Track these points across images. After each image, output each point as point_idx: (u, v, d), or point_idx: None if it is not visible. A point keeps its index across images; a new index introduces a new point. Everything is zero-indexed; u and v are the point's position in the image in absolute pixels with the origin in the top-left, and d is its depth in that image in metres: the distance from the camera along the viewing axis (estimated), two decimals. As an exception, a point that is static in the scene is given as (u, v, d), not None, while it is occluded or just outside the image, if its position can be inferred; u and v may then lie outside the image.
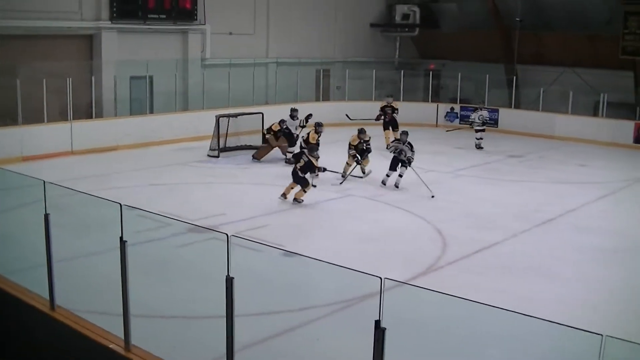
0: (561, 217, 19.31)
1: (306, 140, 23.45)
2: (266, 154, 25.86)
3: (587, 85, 35.31)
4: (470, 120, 30.68)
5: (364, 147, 23.10)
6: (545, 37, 38.03)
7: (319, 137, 23.47)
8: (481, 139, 29.80)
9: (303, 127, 25.96)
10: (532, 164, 27.16)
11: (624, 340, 6.18)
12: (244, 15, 35.06)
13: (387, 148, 24.76)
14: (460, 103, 37.60)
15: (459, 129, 29.40)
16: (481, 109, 30.38)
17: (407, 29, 42.91)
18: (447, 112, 37.41)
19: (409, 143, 21.88)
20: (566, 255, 16.00)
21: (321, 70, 38.84)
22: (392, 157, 22.03)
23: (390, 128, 29.29)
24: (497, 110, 36.11)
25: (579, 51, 36.17)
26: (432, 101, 38.06)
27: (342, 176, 22.85)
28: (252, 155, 25.92)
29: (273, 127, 25.86)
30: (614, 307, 12.99)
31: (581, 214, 19.73)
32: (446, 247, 16.13)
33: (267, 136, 26.03)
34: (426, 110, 37.18)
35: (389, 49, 43.55)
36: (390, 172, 21.98)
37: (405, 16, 42.60)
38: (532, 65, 37.91)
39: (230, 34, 34.01)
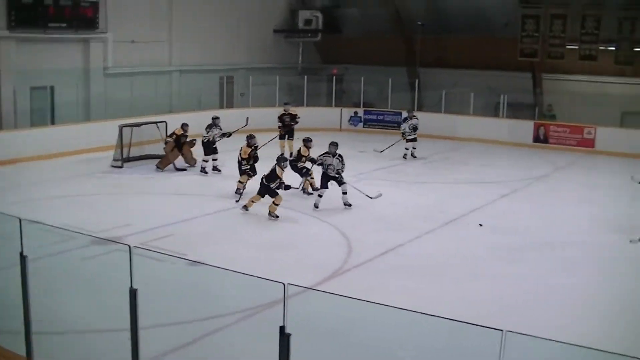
0: (465, 216, 19.63)
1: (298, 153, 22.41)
2: (169, 163, 25.62)
3: (488, 86, 35.95)
4: (401, 130, 29.89)
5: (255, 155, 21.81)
6: (446, 41, 38.61)
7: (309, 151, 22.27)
8: (414, 148, 29.30)
9: (228, 135, 25.56)
10: (436, 165, 27.58)
11: (523, 334, 6.32)
12: (146, 23, 34.67)
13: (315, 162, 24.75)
14: (363, 107, 37.93)
15: (391, 145, 28.95)
16: (411, 118, 29.59)
17: (310, 35, 43.06)
18: (351, 116, 37.72)
19: (340, 155, 20.55)
20: (471, 253, 16.28)
21: (225, 77, 38.71)
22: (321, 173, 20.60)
23: (286, 137, 28.55)
24: (400, 114, 36.51)
25: (479, 54, 36.82)
26: (335, 106, 38.33)
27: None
28: (156, 165, 25.69)
29: (176, 132, 25.64)
30: (518, 302, 13.24)
31: (485, 213, 20.08)
32: (352, 251, 16.24)
33: (166, 143, 25.71)
34: (330, 114, 37.39)
35: (292, 54, 43.65)
36: (322, 190, 20.42)
37: (308, 22, 42.74)
38: (434, 68, 38.48)
39: (133, 42, 33.63)
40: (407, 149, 29.15)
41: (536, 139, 33.15)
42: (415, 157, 29.17)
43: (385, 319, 8.32)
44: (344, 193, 20.26)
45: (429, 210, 19.73)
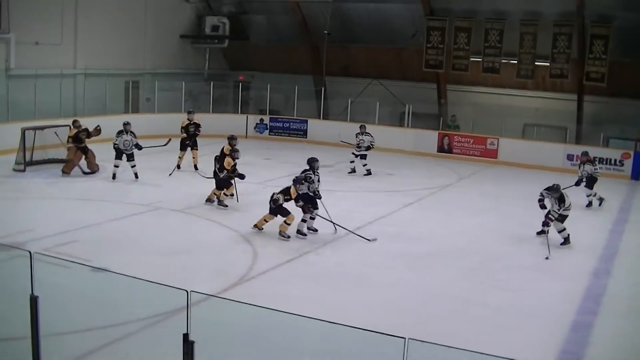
0: (371, 224, 19.81)
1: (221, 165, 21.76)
2: (74, 166, 25.27)
3: (393, 96, 36.38)
4: (356, 144, 28.47)
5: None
6: (353, 50, 39.00)
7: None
8: (366, 164, 28.22)
9: (139, 148, 24.74)
10: (342, 173, 27.74)
11: (424, 341, 6.44)
12: (51, 25, 34.14)
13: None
14: (269, 114, 38.02)
15: (350, 145, 28.35)
16: (363, 133, 28.43)
17: (216, 41, 42.99)
18: (257, 124, 37.77)
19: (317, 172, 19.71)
20: (377, 261, 16.45)
21: (130, 82, 38.35)
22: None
23: (189, 148, 27.19)
24: (306, 121, 36.77)
25: (386, 63, 37.31)
26: (241, 112, 38.28)
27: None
28: (62, 170, 25.30)
29: (70, 134, 25.34)
30: (422, 310, 13.42)
31: (390, 221, 20.32)
32: (257, 258, 16.26)
33: (68, 149, 25.39)
34: (236, 121, 37.30)
35: (199, 60, 43.52)
36: (314, 212, 18.98)
37: (215, 28, 42.65)
38: (340, 77, 38.77)
39: (37, 43, 33.09)
40: (352, 162, 28.42)
41: (440, 149, 33.70)
42: (370, 173, 27.97)
43: (290, 326, 8.37)
44: (313, 219, 19.00)
45: (334, 218, 19.82)
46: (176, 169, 26.43)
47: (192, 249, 16.83)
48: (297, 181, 18.22)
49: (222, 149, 22.33)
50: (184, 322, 6.92)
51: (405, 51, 37.21)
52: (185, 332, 6.81)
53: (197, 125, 27.52)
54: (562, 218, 18.38)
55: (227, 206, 21.31)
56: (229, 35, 42.88)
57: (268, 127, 37.75)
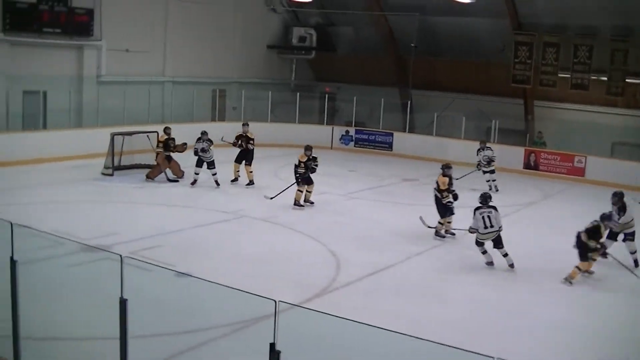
0: (454, 240, 19.63)
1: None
2: (158, 174, 25.53)
3: (480, 111, 36.03)
4: (477, 162, 28.00)
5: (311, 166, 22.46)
6: (439, 64, 38.73)
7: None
8: (494, 180, 27.83)
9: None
10: (426, 187, 27.42)
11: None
12: (141, 33, 34.68)
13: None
14: (355, 126, 37.96)
15: (466, 175, 27.85)
16: (484, 149, 27.87)
17: (303, 52, 43.16)
18: (342, 135, 37.71)
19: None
20: (458, 277, 16.25)
21: (217, 90, 38.69)
22: None
23: (244, 162, 25.81)
24: (391, 134, 36.59)
25: (472, 78, 36.94)
26: (327, 124, 38.31)
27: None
28: (146, 175, 25.62)
29: (160, 139, 25.63)
30: (501, 328, 13.22)
31: (473, 238, 20.06)
32: (340, 269, 16.20)
33: (157, 154, 25.66)
34: (321, 132, 37.37)
35: (285, 70, 43.74)
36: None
37: (302, 39, 42.84)
38: (426, 90, 38.49)
39: (127, 51, 33.64)
40: (487, 181, 27.74)
41: (526, 166, 33.19)
42: (497, 190, 27.32)
43: (374, 340, 8.29)
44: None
45: (417, 232, 19.67)
46: (231, 182, 25.81)
47: (274, 258, 16.86)
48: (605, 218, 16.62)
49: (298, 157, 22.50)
50: (268, 330, 6.88)
51: (492, 66, 36.81)
52: (271, 341, 6.76)
53: (248, 139, 25.94)
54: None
55: (303, 207, 21.97)
56: (316, 46, 43.03)
57: (353, 139, 37.68)
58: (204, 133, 25.35)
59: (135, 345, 7.86)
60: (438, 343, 6.64)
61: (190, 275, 10.24)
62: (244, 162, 25.75)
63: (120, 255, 7.74)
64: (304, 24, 43.33)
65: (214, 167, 24.97)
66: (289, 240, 18.86)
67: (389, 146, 36.67)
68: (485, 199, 17.36)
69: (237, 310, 11.02)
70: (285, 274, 15.73)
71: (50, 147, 27.98)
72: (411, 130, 37.16)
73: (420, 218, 19.26)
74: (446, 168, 20.31)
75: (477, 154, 27.77)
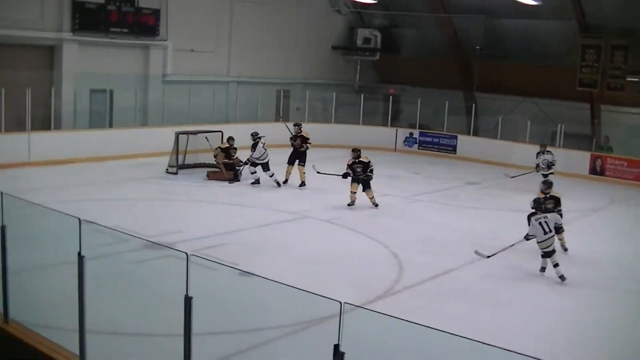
0: (517, 245, 19.42)
1: None
2: (221, 178, 25.61)
3: (545, 115, 35.67)
4: (535, 164, 27.18)
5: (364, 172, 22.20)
6: (504, 67, 38.36)
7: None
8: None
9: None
10: (490, 191, 27.32)
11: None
12: (206, 33, 34.98)
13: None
14: (419, 128, 37.82)
15: (523, 174, 27.52)
16: (544, 152, 27.08)
17: (368, 53, 43.13)
18: (406, 137, 37.61)
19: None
20: (521, 283, 16.07)
21: (281, 91, 38.87)
22: None
23: (297, 162, 25.59)
24: (455, 137, 36.39)
25: (538, 82, 36.52)
26: (391, 126, 38.20)
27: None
28: (207, 174, 25.79)
29: (221, 146, 25.84)
30: (561, 337, 13.05)
31: (535, 243, 19.84)
32: (402, 272, 16.13)
33: (216, 156, 25.91)
34: (385, 134, 37.32)
35: (349, 72, 43.74)
36: None
37: (367, 40, 42.83)
38: (491, 93, 38.18)
39: (192, 51, 33.93)
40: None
41: (592, 171, 32.71)
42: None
43: (436, 343, 8.24)
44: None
45: (479, 236, 19.52)
46: (283, 184, 25.46)
47: (337, 259, 16.83)
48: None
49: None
50: (331, 331, 6.85)
51: (558, 69, 36.32)
52: (336, 342, 6.74)
53: (304, 139, 25.69)
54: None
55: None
56: (380, 48, 42.98)
57: (417, 141, 37.55)
58: (255, 134, 25.33)
59: (198, 342, 7.89)
60: (500, 348, 6.58)
61: (254, 275, 10.26)
62: (296, 162, 25.58)
63: (187, 253, 7.77)
64: (369, 26, 43.31)
65: (269, 169, 24.99)
66: (351, 241, 18.82)
67: (453, 149, 36.48)
68: (539, 204, 16.80)
69: (299, 310, 11.03)
70: (347, 275, 15.72)
71: (116, 145, 28.34)
72: (475, 133, 36.90)
73: (476, 252, 18.16)
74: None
75: (537, 157, 27.20)
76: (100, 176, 24.93)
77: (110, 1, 30.03)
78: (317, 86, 39.45)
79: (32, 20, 28.01)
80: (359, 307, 8.81)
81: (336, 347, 6.73)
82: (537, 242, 16.40)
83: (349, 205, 22.41)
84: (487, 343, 6.61)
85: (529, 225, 16.70)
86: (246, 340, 11.22)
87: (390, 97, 38.95)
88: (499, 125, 35.34)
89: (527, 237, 16.72)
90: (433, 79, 39.82)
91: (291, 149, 25.79)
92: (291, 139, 25.89)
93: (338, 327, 6.68)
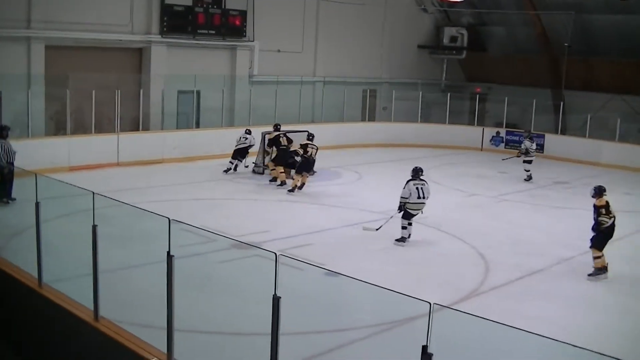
0: (607, 246, 19.11)
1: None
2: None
3: (635, 112, 35.00)
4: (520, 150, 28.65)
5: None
6: (594, 64, 37.74)
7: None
8: (528, 170, 28.33)
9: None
10: (578, 190, 26.83)
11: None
12: (292, 34, 35.21)
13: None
14: (506, 127, 37.41)
15: (509, 158, 28.10)
16: (526, 138, 28.74)
17: (454, 52, 42.85)
18: (493, 136, 37.22)
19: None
20: (610, 285, 15.82)
21: (368, 90, 38.88)
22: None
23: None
24: (543, 136, 35.88)
25: (628, 78, 35.86)
26: (477, 125, 37.87)
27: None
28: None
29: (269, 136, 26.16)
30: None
31: (626, 244, 19.48)
32: (489, 272, 16.00)
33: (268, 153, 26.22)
34: (472, 133, 37.05)
35: (435, 70, 43.47)
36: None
37: (453, 39, 42.55)
38: (579, 91, 37.56)
39: (279, 51, 34.18)
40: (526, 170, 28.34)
41: (683, 169, 32.00)
42: (530, 179, 28.20)
43: (524, 345, 8.17)
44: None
45: (569, 237, 19.25)
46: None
47: (423, 259, 16.80)
48: None
49: None
50: (417, 332, 6.83)
51: (649, 65, 35.69)
52: (424, 344, 6.72)
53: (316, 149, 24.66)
54: None
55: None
56: (467, 46, 42.65)
57: (504, 140, 37.14)
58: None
59: (283, 341, 7.94)
60: (588, 350, 6.49)
61: (341, 274, 10.29)
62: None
63: (275, 253, 7.83)
64: (455, 24, 43.00)
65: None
66: (438, 241, 18.70)
67: (541, 148, 35.99)
68: (416, 172, 18.42)
69: (386, 311, 11.04)
70: (433, 275, 15.68)
71: (203, 145, 28.69)
72: (563, 132, 36.40)
73: (364, 228, 18.88)
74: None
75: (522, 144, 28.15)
76: (188, 176, 25.30)
77: (197, 3, 30.44)
78: (403, 85, 39.33)
79: (121, 24, 28.57)
80: (448, 307, 8.78)
81: (424, 348, 6.71)
82: (408, 204, 17.90)
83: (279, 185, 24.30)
84: (574, 345, 6.54)
85: (404, 188, 18.10)
86: (332, 340, 11.26)
87: (477, 95, 38.68)
88: (588, 124, 34.75)
89: (400, 207, 18.09)
90: (520, 77, 39.44)
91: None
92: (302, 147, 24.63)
93: (427, 328, 6.66)
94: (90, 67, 27.16)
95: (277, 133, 25.75)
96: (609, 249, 16.63)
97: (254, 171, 26.49)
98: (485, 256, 17.20)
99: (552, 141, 35.82)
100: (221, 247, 14.48)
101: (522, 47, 40.70)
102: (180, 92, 30.54)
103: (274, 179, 24.93)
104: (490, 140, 37.32)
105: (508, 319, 7.53)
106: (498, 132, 37.34)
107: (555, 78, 39.05)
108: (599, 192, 16.35)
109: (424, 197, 18.02)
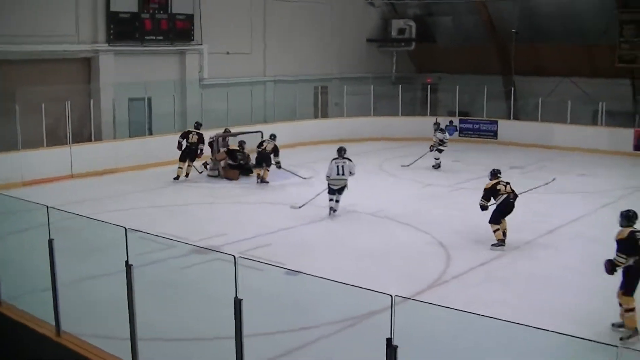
0: (563, 227, 19.30)
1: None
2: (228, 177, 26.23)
3: (585, 94, 35.35)
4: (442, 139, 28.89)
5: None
6: (542, 48, 38.03)
7: None
8: (438, 159, 28.69)
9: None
10: (533, 174, 27.06)
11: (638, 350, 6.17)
12: (240, 35, 35.11)
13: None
14: (459, 116, 37.62)
15: (418, 159, 28.37)
16: (439, 130, 29.23)
17: (403, 44, 42.95)
18: (446, 126, 37.27)
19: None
20: (570, 265, 15.96)
21: (319, 87, 38.92)
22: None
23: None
24: (496, 122, 36.23)
25: (576, 61, 36.21)
26: (430, 115, 37.93)
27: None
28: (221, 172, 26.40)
29: (229, 147, 26.68)
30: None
31: (583, 224, 19.69)
32: (450, 261, 16.11)
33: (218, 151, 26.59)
34: (425, 124, 37.03)
35: (385, 64, 43.54)
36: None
37: (401, 31, 42.66)
38: (529, 76, 37.84)
39: (228, 53, 34.05)
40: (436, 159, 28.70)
41: (637, 147, 32.33)
42: (439, 167, 28.65)
43: (488, 331, 8.23)
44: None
45: (526, 221, 19.37)
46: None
47: (383, 252, 16.86)
48: None
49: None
50: (381, 325, 6.85)
51: (596, 47, 35.89)
52: (388, 336, 6.74)
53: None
54: None
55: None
56: (416, 38, 42.76)
57: (458, 128, 37.37)
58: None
59: (247, 343, 7.93)
60: (554, 332, 6.55)
61: (301, 272, 10.29)
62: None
63: (234, 256, 7.82)
64: (402, 16, 43.10)
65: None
66: (397, 233, 18.80)
67: (494, 134, 36.30)
68: (338, 151, 20.60)
69: (349, 306, 11.06)
70: (394, 267, 15.75)
71: (157, 152, 28.50)
72: (516, 117, 36.68)
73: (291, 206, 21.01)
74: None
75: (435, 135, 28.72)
76: (143, 184, 25.15)
77: (144, 9, 30.23)
78: (354, 80, 39.32)
79: (67, 34, 28.27)
80: (410, 299, 8.81)
81: (389, 340, 6.73)
82: (329, 180, 20.35)
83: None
84: (535, 327, 6.59)
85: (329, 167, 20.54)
86: (297, 338, 11.26)
87: (428, 86, 38.78)
88: (539, 108, 35.06)
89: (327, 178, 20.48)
90: (470, 66, 39.64)
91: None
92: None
93: (390, 320, 6.67)
94: (38, 80, 26.81)
95: (229, 145, 26.59)
96: (567, 229, 16.81)
97: (208, 175, 26.41)
98: (445, 245, 17.30)
99: (505, 127, 36.17)
100: (181, 253, 14.41)
101: (470, 36, 40.90)
102: (131, 99, 30.29)
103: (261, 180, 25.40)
104: (444, 130, 37.39)
105: (472, 306, 7.59)
106: (451, 121, 37.53)
107: (504, 65, 39.33)
108: (492, 174, 18.25)
109: (342, 174, 20.27)
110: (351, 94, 37.50)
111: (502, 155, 31.30)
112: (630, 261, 12.05)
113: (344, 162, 20.33)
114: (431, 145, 28.50)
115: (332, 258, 16.23)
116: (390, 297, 6.65)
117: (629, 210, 12.98)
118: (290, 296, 11.99)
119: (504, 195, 17.51)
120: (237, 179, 26.06)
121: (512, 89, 36.80)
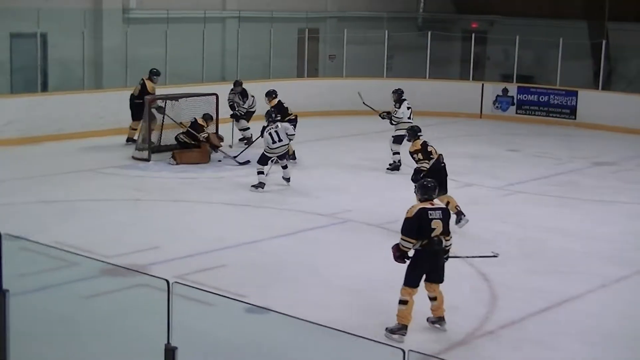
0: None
1: None
2: (189, 161, 26.34)
3: None
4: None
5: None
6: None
7: None
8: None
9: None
10: (631, 176, 27.05)
11: None
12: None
13: None
14: (517, 82, 37.53)
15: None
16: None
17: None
18: (498, 96, 37.31)
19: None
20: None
21: (306, 30, 38.77)
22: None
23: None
24: (575, 93, 36.10)
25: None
26: (474, 79, 37.94)
27: None
28: (172, 156, 26.29)
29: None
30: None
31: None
32: (496, 302, 16.10)
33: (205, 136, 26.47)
34: (466, 92, 37.16)
35: (408, 0, 43.50)
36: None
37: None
38: (631, 22, 37.81)
39: (169, -26, 34.10)
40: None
41: None
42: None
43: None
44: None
45: (618, 246, 19.43)
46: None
47: (392, 283, 16.56)
48: None
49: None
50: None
51: None
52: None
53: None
54: None
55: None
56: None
57: (515, 101, 37.33)
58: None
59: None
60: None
61: (270, 310, 10.35)
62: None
63: (167, 281, 7.86)
64: None
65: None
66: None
67: (572, 112, 36.29)
68: (269, 115, 24.67)
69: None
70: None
71: (55, 120, 28.43)
72: (606, 87, 36.69)
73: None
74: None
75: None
76: (32, 167, 25.12)
77: None
78: (360, 21, 39.37)
79: None
80: (430, 356, 8.87)
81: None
82: (269, 148, 23.63)
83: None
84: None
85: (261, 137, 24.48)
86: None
87: (473, 34, 38.75)
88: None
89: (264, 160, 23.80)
90: (539, 6, 39.70)
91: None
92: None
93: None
94: None
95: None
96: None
97: (134, 157, 26.30)
98: (490, 277, 17.28)
99: (590, 100, 36.11)
100: (87, 274, 14.41)
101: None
102: (14, 35, 30.23)
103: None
104: (494, 103, 37.46)
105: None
106: (506, 90, 37.45)
107: (591, 5, 39.31)
108: (413, 134, 19.63)
109: (279, 140, 23.78)
110: (354, 43, 37.46)
111: (582, 145, 31.39)
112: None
113: (277, 127, 24.01)
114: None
115: (316, 288, 16.23)
116: (402, 352, 6.71)
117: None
118: (254, 345, 12.04)
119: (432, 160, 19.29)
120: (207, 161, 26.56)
121: (604, 42, 36.71)
